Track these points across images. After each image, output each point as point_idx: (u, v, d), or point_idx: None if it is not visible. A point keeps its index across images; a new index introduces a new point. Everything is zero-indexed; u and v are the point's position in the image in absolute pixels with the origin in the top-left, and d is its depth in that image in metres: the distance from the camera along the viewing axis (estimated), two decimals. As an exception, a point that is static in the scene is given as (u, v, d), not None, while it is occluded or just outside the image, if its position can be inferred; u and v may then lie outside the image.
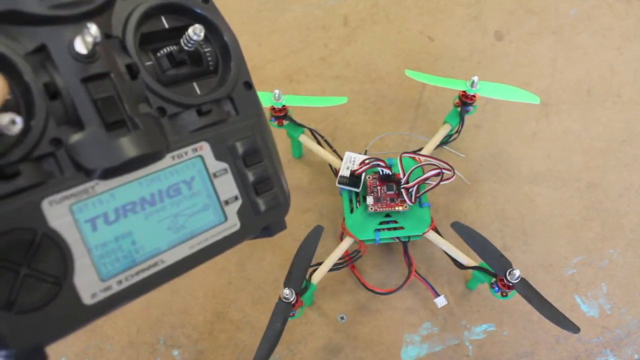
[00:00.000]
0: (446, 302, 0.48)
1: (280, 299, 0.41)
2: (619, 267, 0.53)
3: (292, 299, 0.41)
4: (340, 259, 0.48)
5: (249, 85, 0.26)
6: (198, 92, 0.25)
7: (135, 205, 0.22)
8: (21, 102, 0.20)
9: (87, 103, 0.20)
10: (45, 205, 0.20)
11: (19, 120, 0.18)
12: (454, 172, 0.45)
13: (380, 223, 0.48)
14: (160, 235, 0.23)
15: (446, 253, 0.48)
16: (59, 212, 0.20)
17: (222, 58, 0.26)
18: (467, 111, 0.52)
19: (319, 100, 0.53)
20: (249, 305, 0.52)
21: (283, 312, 0.41)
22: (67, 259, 0.20)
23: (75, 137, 0.20)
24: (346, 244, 0.48)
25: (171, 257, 0.23)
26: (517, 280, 0.41)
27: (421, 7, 0.69)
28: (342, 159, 0.50)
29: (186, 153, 0.23)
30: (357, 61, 0.65)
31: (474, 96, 0.51)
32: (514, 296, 0.44)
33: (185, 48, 0.24)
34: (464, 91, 0.51)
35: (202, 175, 0.24)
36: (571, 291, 0.52)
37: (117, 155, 0.20)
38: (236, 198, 0.25)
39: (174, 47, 0.24)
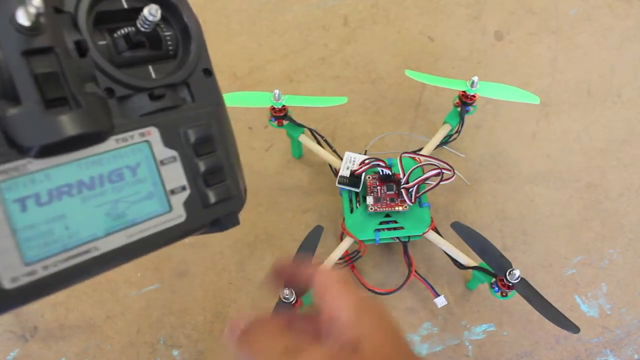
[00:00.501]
0: (446, 302, 0.48)
1: (280, 299, 0.41)
2: (619, 267, 0.53)
3: (292, 299, 0.41)
4: (340, 259, 0.48)
5: (208, 72, 0.25)
6: (153, 75, 0.24)
7: (71, 187, 0.21)
8: None
9: (25, 77, 0.19)
10: None
11: None
12: (454, 172, 0.45)
13: (380, 223, 0.48)
14: (97, 221, 0.21)
15: (446, 253, 0.48)
16: None
17: (182, 42, 0.25)
18: (467, 111, 0.52)
19: (319, 100, 0.53)
20: (249, 305, 0.52)
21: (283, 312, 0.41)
22: None
23: (11, 112, 0.19)
24: (346, 244, 0.48)
25: (106, 245, 0.22)
26: (517, 280, 0.41)
27: (421, 7, 0.69)
28: (342, 159, 0.50)
29: (132, 137, 0.22)
30: (357, 61, 0.65)
31: (473, 96, 0.51)
32: (514, 296, 0.44)
33: (142, 29, 0.23)
34: (463, 91, 0.51)
35: (149, 161, 0.23)
36: (571, 291, 0.52)
37: (52, 133, 0.19)
38: (183, 188, 0.24)
39: (132, 29, 0.23)
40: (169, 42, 0.24)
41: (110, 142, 0.22)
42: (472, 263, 0.46)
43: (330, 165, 0.53)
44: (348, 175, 0.49)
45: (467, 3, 0.69)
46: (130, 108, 0.23)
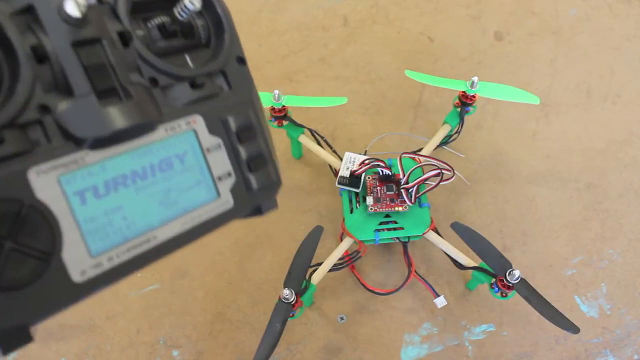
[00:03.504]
0: (446, 303, 0.48)
1: (280, 299, 0.41)
2: (619, 268, 0.53)
3: (291, 300, 0.41)
4: (340, 259, 0.48)
5: (242, 60, 0.26)
6: (191, 65, 0.24)
7: (126, 178, 0.21)
8: (4, 64, 0.19)
9: (77, 68, 0.19)
10: (31, 175, 0.18)
11: None
12: (453, 172, 0.45)
13: (380, 223, 0.48)
14: (152, 211, 0.22)
15: (446, 253, 0.48)
16: (47, 183, 0.19)
17: (214, 31, 0.25)
18: (467, 111, 0.52)
19: (319, 100, 0.53)
20: (248, 305, 0.52)
21: (283, 312, 0.41)
22: (55, 233, 0.19)
23: (65, 104, 0.19)
24: (346, 244, 0.48)
25: (164, 234, 0.22)
26: (517, 281, 0.41)
27: (421, 7, 0.69)
28: (341, 159, 0.50)
29: (179, 126, 0.23)
30: (357, 61, 0.65)
31: (473, 96, 0.51)
32: (514, 296, 0.44)
33: (179, 18, 0.23)
34: (463, 91, 0.51)
35: (195, 149, 0.23)
36: (571, 291, 0.52)
37: (109, 124, 0.20)
38: (229, 175, 0.24)
39: (166, 18, 0.23)
40: (202, 32, 0.25)
41: (160, 132, 0.22)
42: (472, 263, 0.46)
43: (330, 166, 0.53)
44: (348, 176, 0.49)
45: (467, 3, 0.69)
46: (172, 97, 0.23)
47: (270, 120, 0.51)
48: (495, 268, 0.43)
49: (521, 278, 0.42)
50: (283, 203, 0.61)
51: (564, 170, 0.58)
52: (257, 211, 0.26)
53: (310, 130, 0.53)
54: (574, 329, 0.41)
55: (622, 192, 0.57)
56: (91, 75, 0.20)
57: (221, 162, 0.24)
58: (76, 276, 0.19)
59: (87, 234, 0.20)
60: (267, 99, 0.49)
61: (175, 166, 0.23)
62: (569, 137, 0.60)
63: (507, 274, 0.42)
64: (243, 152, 0.25)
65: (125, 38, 0.21)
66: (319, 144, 0.54)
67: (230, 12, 0.25)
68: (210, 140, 0.24)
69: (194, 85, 0.23)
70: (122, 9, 0.22)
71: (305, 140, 0.53)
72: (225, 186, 0.24)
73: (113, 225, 0.20)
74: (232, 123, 0.24)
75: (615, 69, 0.64)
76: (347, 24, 0.68)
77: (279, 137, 0.59)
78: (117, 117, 0.20)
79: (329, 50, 0.66)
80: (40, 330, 0.50)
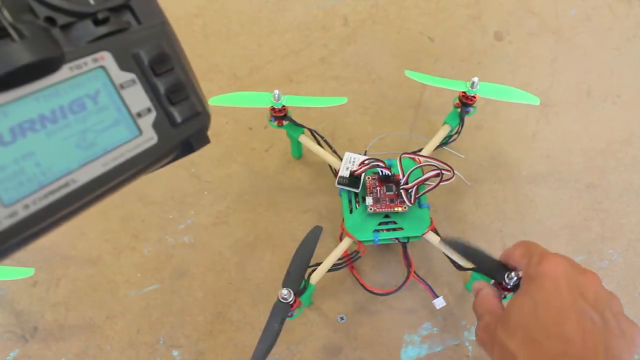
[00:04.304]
0: (444, 304, 0.48)
1: (278, 299, 0.41)
2: (619, 268, 0.53)
3: (290, 299, 0.41)
4: (339, 259, 0.48)
5: None
6: (92, 1, 0.23)
7: (33, 123, 0.20)
8: None
9: None
10: None
11: None
12: (453, 172, 0.45)
13: (380, 224, 0.48)
14: (69, 155, 0.21)
15: (445, 254, 0.48)
16: None
17: None
18: (467, 112, 0.52)
19: (319, 100, 0.53)
20: (248, 305, 0.52)
21: (281, 312, 0.41)
22: None
23: None
24: (345, 244, 0.48)
25: (84, 176, 0.21)
26: (515, 283, 0.41)
27: (421, 7, 0.69)
28: (341, 159, 0.50)
29: (86, 64, 0.21)
30: (357, 61, 0.65)
31: (474, 97, 0.51)
32: (514, 297, 0.44)
33: None
34: (464, 92, 0.51)
35: (108, 87, 0.22)
36: (571, 292, 0.52)
37: (1, 64, 0.18)
38: (149, 110, 0.23)
39: None
40: None
41: (64, 71, 0.21)
42: (470, 264, 0.46)
43: (330, 166, 0.53)
44: (347, 176, 0.49)
45: (467, 3, 0.69)
46: (75, 36, 0.22)
47: (270, 120, 0.51)
48: (493, 275, 0.42)
49: (519, 280, 0.41)
50: (283, 203, 0.61)
51: (564, 170, 0.58)
52: (189, 148, 0.25)
53: (310, 130, 0.53)
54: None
55: (622, 192, 0.57)
56: None
57: (138, 98, 0.23)
58: None
59: None
60: (267, 99, 0.49)
61: (88, 107, 0.21)
62: (569, 137, 0.60)
63: (505, 276, 0.41)
64: (161, 86, 0.24)
65: None
66: (319, 144, 0.54)
67: None
68: (123, 76, 0.23)
69: (97, 22, 0.22)
70: None
71: (305, 140, 0.53)
72: (147, 122, 0.23)
73: (26, 173, 0.19)
74: (145, 57, 0.23)
75: (615, 69, 0.64)
76: (347, 24, 0.68)
77: (279, 137, 0.59)
78: (10, 56, 0.18)
79: (329, 50, 0.66)
80: (40, 330, 0.50)
